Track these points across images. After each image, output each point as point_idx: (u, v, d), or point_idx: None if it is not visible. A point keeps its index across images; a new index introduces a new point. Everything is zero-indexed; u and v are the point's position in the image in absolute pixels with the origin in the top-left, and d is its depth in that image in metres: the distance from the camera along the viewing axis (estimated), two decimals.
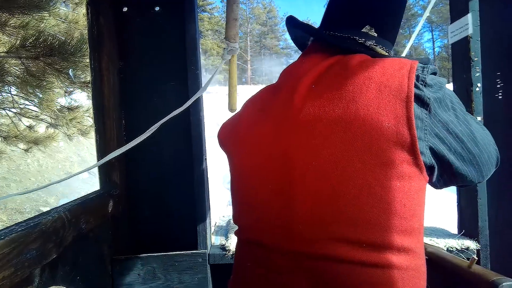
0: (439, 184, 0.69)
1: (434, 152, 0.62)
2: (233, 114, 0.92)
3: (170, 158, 1.39)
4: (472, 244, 1.32)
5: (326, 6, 0.83)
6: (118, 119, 1.36)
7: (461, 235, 1.40)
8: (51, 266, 0.87)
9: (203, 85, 1.43)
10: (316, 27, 0.82)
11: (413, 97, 0.60)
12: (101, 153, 1.29)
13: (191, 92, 1.34)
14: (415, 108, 0.60)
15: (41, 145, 3.48)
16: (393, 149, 0.59)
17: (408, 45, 1.72)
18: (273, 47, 55.16)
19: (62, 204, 0.97)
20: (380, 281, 0.59)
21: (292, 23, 0.83)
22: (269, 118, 0.71)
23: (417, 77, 0.61)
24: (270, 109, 0.73)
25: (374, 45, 0.74)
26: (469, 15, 1.36)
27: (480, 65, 1.36)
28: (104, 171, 1.30)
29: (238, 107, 1.39)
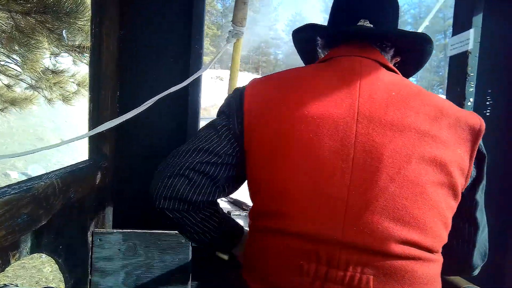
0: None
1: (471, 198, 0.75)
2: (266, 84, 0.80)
3: (163, 136, 1.37)
4: None
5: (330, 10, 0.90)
6: (113, 90, 1.32)
7: None
8: (38, 233, 0.85)
9: (203, 65, 1.40)
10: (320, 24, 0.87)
11: (479, 142, 0.71)
12: (93, 122, 1.25)
13: (192, 70, 1.31)
14: (476, 152, 0.70)
15: (18, 106, 3.33)
16: (458, 173, 0.68)
17: None
18: (264, 36, 54.68)
19: (53, 170, 0.94)
20: (431, 272, 0.69)
21: (301, 30, 0.87)
22: (341, 106, 0.69)
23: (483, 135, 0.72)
24: (341, 98, 0.70)
25: (370, 30, 0.80)
26: (471, 31, 1.40)
27: (475, 80, 1.40)
28: (95, 141, 1.26)
29: None
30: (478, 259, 0.81)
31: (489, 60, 1.44)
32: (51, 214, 0.84)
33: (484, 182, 0.76)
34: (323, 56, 0.87)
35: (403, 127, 0.66)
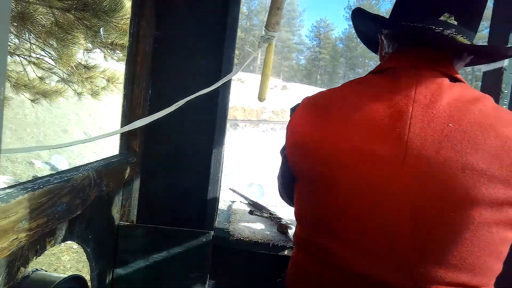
0: None
1: None
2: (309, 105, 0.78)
3: (191, 135, 1.40)
4: None
5: None
6: (146, 89, 1.36)
7: None
8: (72, 222, 0.88)
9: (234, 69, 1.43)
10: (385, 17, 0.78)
11: None
12: (125, 118, 1.29)
13: (223, 74, 1.34)
14: None
15: (48, 98, 3.45)
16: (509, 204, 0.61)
17: None
18: (287, 41, 54.78)
19: (89, 162, 0.98)
20: None
21: (360, 14, 0.79)
22: (387, 140, 0.64)
23: None
24: (387, 129, 0.64)
25: (454, 34, 0.68)
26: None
27: (509, 97, 1.38)
28: (125, 137, 1.31)
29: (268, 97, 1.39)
30: None
31: None
32: (85, 204, 0.88)
33: None
34: (387, 49, 0.78)
35: (457, 168, 0.59)
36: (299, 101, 0.81)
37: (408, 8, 0.73)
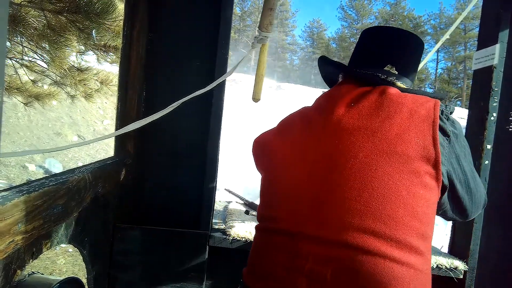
0: (440, 207, 0.82)
1: (448, 176, 0.77)
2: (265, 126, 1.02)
3: (185, 136, 1.41)
4: (461, 265, 1.37)
5: (354, 47, 1.00)
6: (140, 90, 1.36)
7: (451, 254, 1.45)
8: (68, 224, 0.88)
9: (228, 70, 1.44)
10: (346, 65, 0.99)
11: (438, 124, 0.74)
12: (120, 120, 1.29)
13: (217, 75, 1.34)
14: (439, 134, 0.74)
15: (41, 101, 3.43)
16: (420, 161, 0.72)
17: (421, 64, 1.75)
18: (280, 41, 54.86)
19: (84, 164, 0.98)
20: (399, 276, 0.68)
21: (325, 62, 1.00)
22: (315, 127, 0.84)
23: (441, 111, 0.77)
24: (316, 121, 0.85)
25: (394, 80, 0.88)
26: (497, 46, 1.39)
27: (499, 95, 1.40)
28: (120, 139, 1.31)
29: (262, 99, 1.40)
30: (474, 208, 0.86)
31: None
32: (81, 206, 0.88)
33: (460, 134, 0.80)
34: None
35: (353, 129, 0.77)
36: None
37: (362, 59, 0.95)
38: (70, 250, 4.07)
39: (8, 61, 2.87)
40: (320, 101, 0.91)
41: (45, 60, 2.72)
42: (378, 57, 0.91)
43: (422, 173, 0.72)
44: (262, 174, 0.97)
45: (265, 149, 0.96)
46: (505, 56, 1.41)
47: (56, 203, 0.74)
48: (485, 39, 1.47)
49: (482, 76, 1.45)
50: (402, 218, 0.69)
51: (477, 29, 1.46)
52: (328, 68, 1.03)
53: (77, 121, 12.12)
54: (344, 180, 0.73)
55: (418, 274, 0.70)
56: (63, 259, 3.85)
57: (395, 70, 0.88)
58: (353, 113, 0.80)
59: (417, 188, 0.71)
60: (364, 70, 0.91)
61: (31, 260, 0.75)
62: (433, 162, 0.73)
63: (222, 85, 1.39)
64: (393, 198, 0.70)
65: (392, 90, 0.81)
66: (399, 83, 0.89)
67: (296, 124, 0.89)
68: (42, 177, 0.78)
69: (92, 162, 1.06)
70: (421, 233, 0.71)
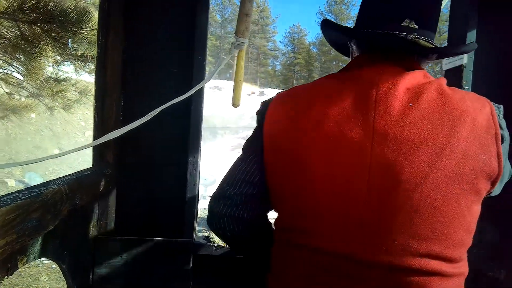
0: None
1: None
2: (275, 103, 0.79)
3: (165, 144, 1.40)
4: None
5: (361, 3, 0.83)
6: (118, 99, 1.35)
7: None
8: (45, 238, 0.87)
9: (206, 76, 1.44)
10: (351, 28, 0.83)
11: (500, 135, 0.68)
12: (98, 130, 1.27)
13: (195, 81, 1.34)
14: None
15: (18, 114, 3.34)
16: (484, 179, 0.67)
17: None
18: (262, 47, 55.22)
19: (60, 177, 0.96)
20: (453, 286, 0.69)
21: (328, 25, 0.83)
22: (365, 127, 0.68)
23: (498, 116, 0.70)
24: (362, 119, 0.69)
25: (416, 38, 0.73)
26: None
27: None
28: (99, 149, 1.29)
29: (243, 102, 1.40)
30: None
31: (483, 75, 1.48)
32: (58, 219, 0.86)
33: (509, 137, 0.73)
34: (357, 53, 0.84)
35: (420, 142, 0.65)
36: (269, 98, 0.83)
37: (372, 16, 0.78)
38: (53, 266, 3.95)
39: None
40: (352, 89, 0.72)
41: (20, 72, 2.66)
42: (391, 10, 0.74)
43: (483, 190, 0.68)
44: (275, 167, 0.77)
45: (287, 137, 0.74)
46: (474, 55, 1.46)
47: (30, 217, 0.72)
48: (455, 40, 1.52)
49: (453, 76, 1.50)
50: (462, 239, 0.68)
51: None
52: (331, 33, 0.88)
53: (58, 134, 11.86)
54: (413, 203, 0.65)
55: (463, 277, 0.72)
56: (46, 275, 3.74)
57: (415, 24, 0.72)
58: (414, 117, 0.66)
59: (476, 206, 0.69)
60: (377, 29, 0.74)
61: (6, 277, 0.73)
62: (494, 179, 0.69)
63: (201, 92, 1.39)
64: (457, 222, 0.66)
65: (447, 88, 0.70)
66: (423, 42, 0.73)
67: (330, 116, 0.70)
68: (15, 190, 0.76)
69: (69, 173, 1.04)
70: (469, 243, 0.71)
